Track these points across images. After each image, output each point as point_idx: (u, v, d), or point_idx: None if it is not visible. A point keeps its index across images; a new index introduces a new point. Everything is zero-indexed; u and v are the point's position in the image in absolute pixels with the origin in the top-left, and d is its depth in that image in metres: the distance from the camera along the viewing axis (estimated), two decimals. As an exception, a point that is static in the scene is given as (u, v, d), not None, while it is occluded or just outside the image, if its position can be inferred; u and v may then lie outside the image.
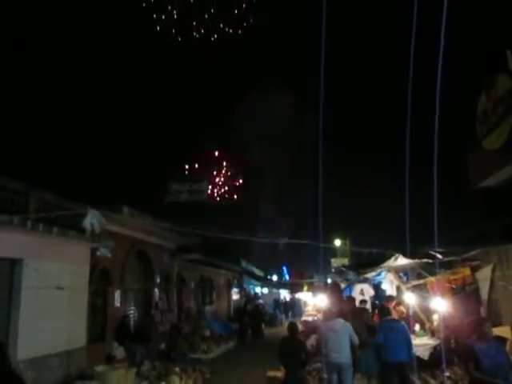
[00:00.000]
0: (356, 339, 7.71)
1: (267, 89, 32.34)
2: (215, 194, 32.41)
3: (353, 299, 13.87)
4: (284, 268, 46.36)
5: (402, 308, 10.75)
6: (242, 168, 35.10)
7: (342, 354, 7.53)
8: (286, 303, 34.28)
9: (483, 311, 9.29)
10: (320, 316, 16.85)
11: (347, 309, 11.15)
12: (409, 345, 7.47)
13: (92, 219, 7.55)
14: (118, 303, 12.31)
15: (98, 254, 11.14)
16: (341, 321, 8.01)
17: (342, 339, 7.60)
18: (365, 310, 11.99)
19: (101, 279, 11.60)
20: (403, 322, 8.24)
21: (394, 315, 9.09)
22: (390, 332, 7.48)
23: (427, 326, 10.59)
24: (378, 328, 7.98)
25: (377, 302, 13.69)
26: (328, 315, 8.60)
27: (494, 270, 9.07)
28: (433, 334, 10.19)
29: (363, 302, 12.99)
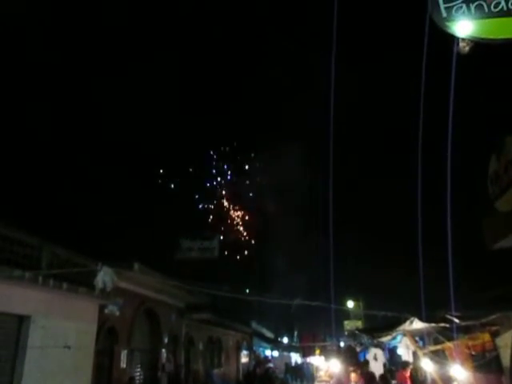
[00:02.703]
0: None
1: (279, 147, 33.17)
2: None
3: (367, 363, 13.32)
4: (295, 330, 44.93)
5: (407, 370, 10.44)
6: (254, 229, 35.16)
7: None
8: (296, 367, 32.90)
9: (505, 381, 8.80)
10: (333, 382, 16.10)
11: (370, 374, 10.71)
12: None
13: (104, 277, 7.51)
14: (124, 364, 11.93)
15: (107, 311, 10.98)
16: None
17: None
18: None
19: (108, 338, 11.35)
20: None
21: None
22: None
23: (447, 395, 10.02)
24: None
25: (393, 367, 13.11)
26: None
27: (514, 336, 8.67)
28: (453, 404, 9.62)
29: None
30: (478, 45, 5.34)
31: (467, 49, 5.41)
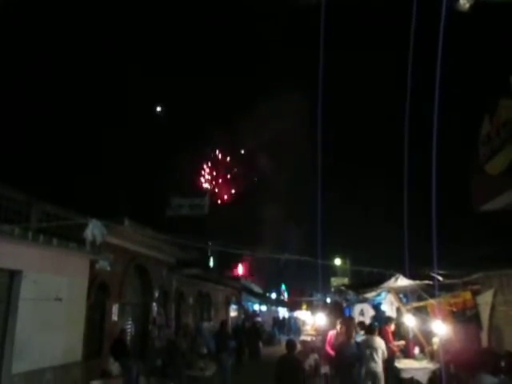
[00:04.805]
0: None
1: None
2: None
3: (352, 319, 13.73)
4: (283, 285, 46.05)
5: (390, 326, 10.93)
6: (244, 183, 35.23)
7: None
8: (283, 321, 33.99)
9: (484, 337, 9.17)
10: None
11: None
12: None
13: (94, 229, 7.49)
14: (115, 317, 12.19)
15: (98, 266, 11.08)
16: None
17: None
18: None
19: (99, 292, 11.50)
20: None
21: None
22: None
23: (427, 349, 10.45)
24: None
25: (376, 323, 13.51)
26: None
27: (495, 295, 8.95)
28: (432, 357, 10.05)
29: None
30: (477, 3, 5.19)
31: (467, 6, 5.26)
